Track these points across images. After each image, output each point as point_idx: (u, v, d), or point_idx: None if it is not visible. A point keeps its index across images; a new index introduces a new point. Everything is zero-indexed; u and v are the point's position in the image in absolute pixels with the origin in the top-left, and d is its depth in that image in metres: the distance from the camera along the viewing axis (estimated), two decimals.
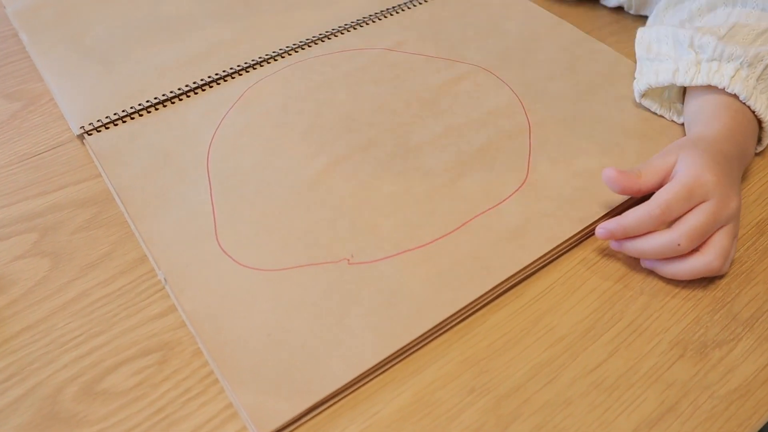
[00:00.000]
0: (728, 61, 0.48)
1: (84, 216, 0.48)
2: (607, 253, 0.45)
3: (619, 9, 0.67)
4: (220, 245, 0.45)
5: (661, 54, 0.53)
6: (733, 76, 0.48)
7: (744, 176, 0.50)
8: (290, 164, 0.51)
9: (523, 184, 0.48)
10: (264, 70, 0.60)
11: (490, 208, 0.47)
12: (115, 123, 0.54)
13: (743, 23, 0.50)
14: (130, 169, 0.50)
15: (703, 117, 0.49)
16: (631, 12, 0.66)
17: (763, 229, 0.47)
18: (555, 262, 0.44)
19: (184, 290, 0.42)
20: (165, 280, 0.43)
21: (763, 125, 0.49)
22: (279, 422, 0.36)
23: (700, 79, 0.49)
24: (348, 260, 0.44)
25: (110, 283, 0.43)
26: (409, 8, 0.67)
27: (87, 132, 0.53)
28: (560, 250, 0.45)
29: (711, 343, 0.40)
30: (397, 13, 0.66)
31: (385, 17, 0.66)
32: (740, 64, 0.48)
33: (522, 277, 0.43)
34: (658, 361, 0.39)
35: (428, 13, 0.66)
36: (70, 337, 0.41)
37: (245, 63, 0.60)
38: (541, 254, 0.44)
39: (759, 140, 0.51)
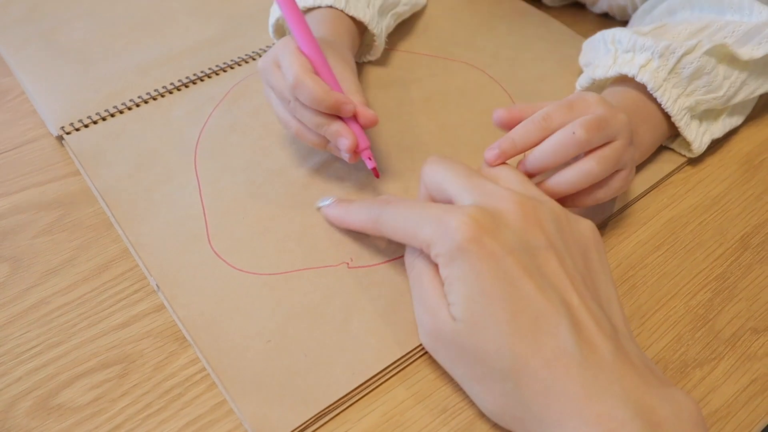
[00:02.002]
0: (641, 52, 0.47)
1: (47, 219, 0.46)
2: None
3: (606, 15, 0.67)
4: (213, 248, 0.43)
5: (596, 58, 0.52)
6: (643, 66, 0.47)
7: (726, 190, 0.49)
8: (282, 164, 0.49)
9: None
10: (249, 67, 0.58)
11: None
12: (95, 122, 0.52)
13: (686, 22, 0.49)
14: (113, 170, 0.48)
15: None
16: (617, 18, 0.65)
17: (746, 244, 0.46)
18: None
19: (177, 296, 0.40)
20: (158, 286, 0.41)
21: (673, 120, 0.47)
22: None
23: (614, 70, 0.48)
24: (348, 264, 0.42)
25: (71, 290, 0.42)
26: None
27: (66, 132, 0.51)
28: None
29: (692, 362, 0.39)
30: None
31: None
32: (651, 54, 0.47)
33: None
34: None
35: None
36: (26, 347, 0.39)
37: (230, 60, 0.58)
38: None
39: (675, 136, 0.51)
